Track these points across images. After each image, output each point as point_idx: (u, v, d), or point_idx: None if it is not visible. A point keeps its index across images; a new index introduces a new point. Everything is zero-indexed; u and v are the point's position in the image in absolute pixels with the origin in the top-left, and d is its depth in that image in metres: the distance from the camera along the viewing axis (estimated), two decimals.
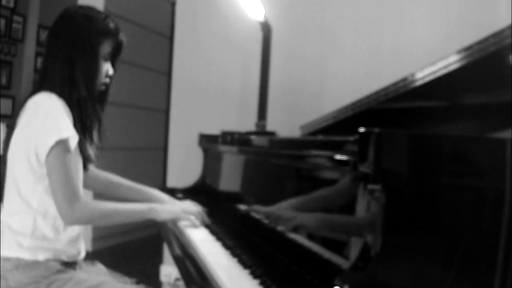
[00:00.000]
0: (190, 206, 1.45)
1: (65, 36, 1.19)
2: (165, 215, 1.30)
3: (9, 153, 1.16)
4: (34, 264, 1.10)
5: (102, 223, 1.23)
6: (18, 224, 1.11)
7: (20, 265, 1.08)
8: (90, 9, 1.23)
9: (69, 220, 1.12)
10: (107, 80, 1.25)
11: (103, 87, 1.25)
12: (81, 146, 1.15)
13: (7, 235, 1.12)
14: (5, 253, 1.10)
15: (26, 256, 1.10)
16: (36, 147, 1.09)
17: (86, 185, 1.38)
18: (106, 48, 1.22)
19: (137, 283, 1.24)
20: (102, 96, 1.27)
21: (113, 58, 1.27)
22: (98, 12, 1.24)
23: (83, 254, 1.23)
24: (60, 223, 1.13)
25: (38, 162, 1.10)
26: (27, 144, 1.11)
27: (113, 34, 1.22)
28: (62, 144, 1.08)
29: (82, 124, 1.17)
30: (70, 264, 1.17)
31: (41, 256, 1.11)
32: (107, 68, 1.24)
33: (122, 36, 1.26)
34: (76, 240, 1.19)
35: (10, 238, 1.11)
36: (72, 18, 1.20)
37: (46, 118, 1.09)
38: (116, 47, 1.25)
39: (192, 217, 1.41)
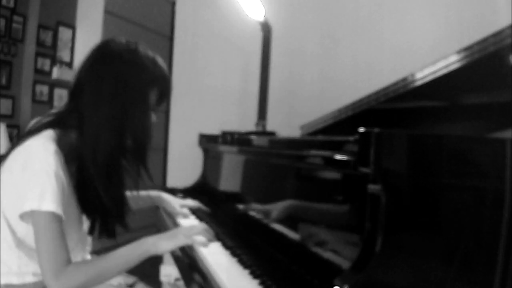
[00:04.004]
0: (191, 228, 1.23)
1: (112, 79, 1.06)
2: (166, 246, 1.14)
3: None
4: (22, 286, 1.06)
5: (97, 283, 1.06)
6: (5, 256, 1.05)
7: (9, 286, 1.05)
8: (136, 50, 1.11)
9: None
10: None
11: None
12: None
13: None
14: None
15: (14, 280, 1.05)
16: (19, 208, 0.99)
17: None
18: (153, 96, 1.11)
19: (131, 286, 1.23)
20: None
21: (159, 104, 1.16)
22: (147, 53, 1.12)
23: None
24: None
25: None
26: (13, 197, 1.01)
27: (162, 81, 1.12)
28: (56, 215, 0.98)
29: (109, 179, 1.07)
30: None
31: (29, 279, 1.06)
32: (153, 119, 1.14)
33: (170, 83, 1.15)
34: None
35: None
36: (119, 58, 1.08)
37: (32, 179, 0.98)
38: (163, 92, 1.14)
39: (199, 237, 1.21)
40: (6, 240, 1.05)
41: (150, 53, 1.13)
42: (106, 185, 1.07)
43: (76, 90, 1.10)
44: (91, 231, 1.13)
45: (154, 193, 1.60)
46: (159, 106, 1.15)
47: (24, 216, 1.00)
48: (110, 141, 1.05)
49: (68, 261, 1.01)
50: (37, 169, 0.98)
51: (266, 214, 1.27)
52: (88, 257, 1.24)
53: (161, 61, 1.14)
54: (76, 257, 1.15)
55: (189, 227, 1.24)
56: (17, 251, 1.05)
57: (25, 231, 1.04)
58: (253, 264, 1.06)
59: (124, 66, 1.07)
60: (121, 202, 1.14)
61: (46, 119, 1.10)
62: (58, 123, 1.08)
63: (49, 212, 0.97)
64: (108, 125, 1.05)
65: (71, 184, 1.07)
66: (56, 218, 0.98)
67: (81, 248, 1.19)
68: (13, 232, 1.05)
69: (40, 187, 0.97)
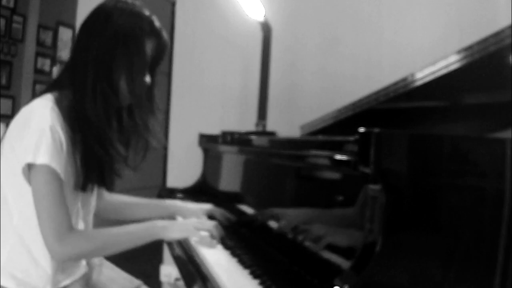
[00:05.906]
0: (204, 222, 1.22)
1: (103, 31, 1.01)
2: (175, 234, 1.12)
3: None
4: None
5: (101, 254, 1.06)
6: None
7: None
8: (132, 4, 1.06)
9: (59, 256, 0.98)
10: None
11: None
12: (106, 165, 1.05)
13: None
14: None
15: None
16: (19, 165, 0.97)
17: (98, 212, 1.25)
18: (148, 50, 1.05)
19: None
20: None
21: (153, 66, 1.10)
22: (142, 7, 1.07)
23: (78, 276, 1.12)
24: (40, 254, 0.99)
25: (24, 182, 0.98)
26: (13, 160, 0.98)
27: (157, 35, 1.06)
28: (52, 170, 0.95)
29: (117, 137, 1.06)
30: None
31: (10, 284, 0.99)
32: (147, 79, 1.08)
33: (166, 39, 1.09)
34: (64, 270, 1.06)
35: None
36: (112, 12, 1.03)
37: (29, 135, 0.96)
38: (158, 51, 1.08)
39: (206, 234, 1.18)
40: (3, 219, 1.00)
41: (148, 12, 1.08)
42: (102, 135, 1.03)
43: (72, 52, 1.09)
44: (84, 187, 1.05)
45: (172, 202, 1.47)
46: (154, 66, 1.10)
47: (25, 174, 0.97)
48: (102, 90, 1.01)
49: (71, 226, 0.98)
50: (34, 125, 0.97)
51: (271, 217, 1.27)
52: (91, 226, 1.18)
53: (157, 22, 1.08)
54: (78, 224, 1.10)
55: (200, 221, 1.23)
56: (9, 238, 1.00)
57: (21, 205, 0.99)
58: (253, 264, 1.06)
59: (119, 14, 1.03)
60: (114, 151, 1.08)
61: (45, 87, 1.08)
62: (54, 86, 1.06)
63: (44, 165, 0.94)
64: (99, 73, 1.01)
65: (70, 142, 1.01)
66: (52, 173, 0.95)
67: (84, 215, 1.13)
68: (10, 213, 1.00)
69: (35, 141, 0.94)
